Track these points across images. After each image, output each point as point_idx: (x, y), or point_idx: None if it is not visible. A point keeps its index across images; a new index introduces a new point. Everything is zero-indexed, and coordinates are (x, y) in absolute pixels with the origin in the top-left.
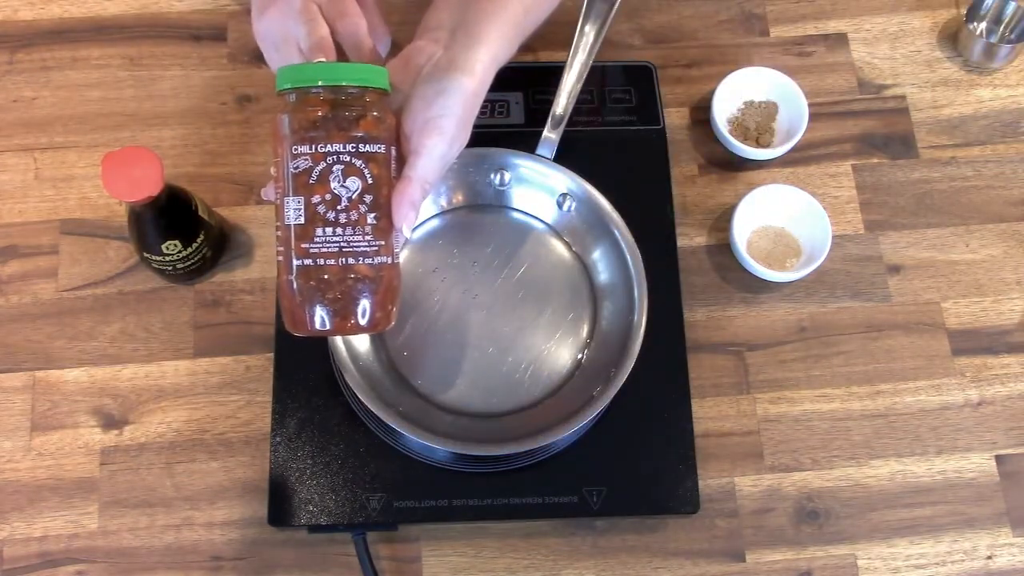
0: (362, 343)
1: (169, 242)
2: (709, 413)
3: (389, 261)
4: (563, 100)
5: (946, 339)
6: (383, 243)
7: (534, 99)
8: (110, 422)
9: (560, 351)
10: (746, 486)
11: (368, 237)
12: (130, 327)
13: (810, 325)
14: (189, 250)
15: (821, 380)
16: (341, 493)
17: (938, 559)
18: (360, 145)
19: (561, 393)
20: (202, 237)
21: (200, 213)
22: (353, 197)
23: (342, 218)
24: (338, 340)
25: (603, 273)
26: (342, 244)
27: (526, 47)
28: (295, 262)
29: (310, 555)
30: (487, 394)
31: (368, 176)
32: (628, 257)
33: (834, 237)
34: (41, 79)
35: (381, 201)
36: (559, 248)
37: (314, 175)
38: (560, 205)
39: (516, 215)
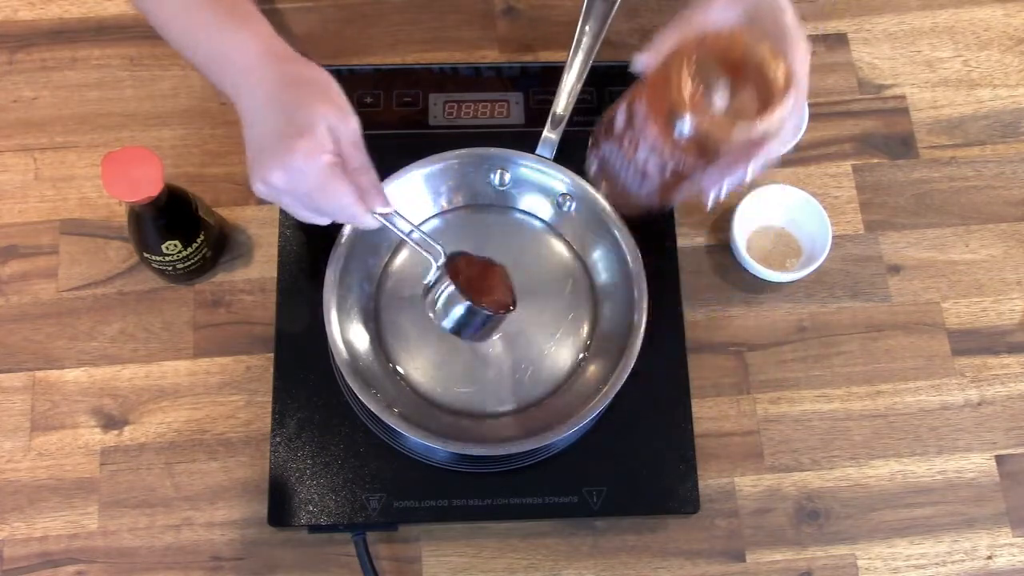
0: (362, 343)
1: (169, 242)
2: (709, 413)
3: None
4: (563, 100)
5: (946, 339)
6: None
7: (534, 99)
8: (110, 422)
9: (560, 351)
10: (746, 486)
11: None
12: (130, 327)
13: (810, 325)
14: (189, 250)
15: (821, 380)
16: (341, 493)
17: (938, 559)
18: None
19: (561, 393)
20: (202, 237)
21: (200, 213)
22: None
23: None
24: (338, 340)
25: (603, 273)
26: None
27: (526, 47)
28: None
29: (310, 555)
30: (487, 394)
31: None
32: (628, 257)
33: (834, 237)
34: (41, 79)
35: None
36: (559, 248)
37: None
38: (560, 205)
39: (516, 215)
